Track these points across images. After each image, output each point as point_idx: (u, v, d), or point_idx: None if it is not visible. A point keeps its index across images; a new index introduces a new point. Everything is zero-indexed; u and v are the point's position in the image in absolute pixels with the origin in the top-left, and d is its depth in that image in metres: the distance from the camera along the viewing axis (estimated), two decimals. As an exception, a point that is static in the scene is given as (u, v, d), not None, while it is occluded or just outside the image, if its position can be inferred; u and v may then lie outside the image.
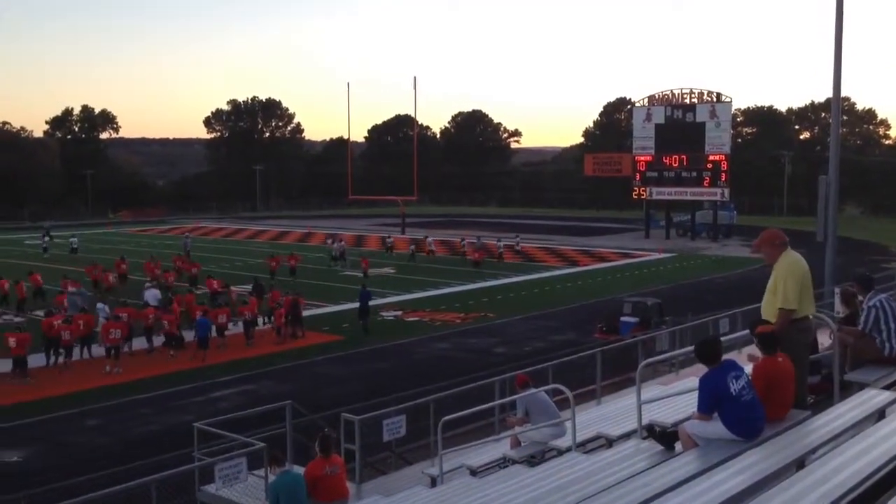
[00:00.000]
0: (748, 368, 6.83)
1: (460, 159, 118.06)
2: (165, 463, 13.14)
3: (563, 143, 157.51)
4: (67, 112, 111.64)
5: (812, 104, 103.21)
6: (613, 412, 11.41)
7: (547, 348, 25.80)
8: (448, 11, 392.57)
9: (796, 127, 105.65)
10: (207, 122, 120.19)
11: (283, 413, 13.27)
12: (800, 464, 5.46)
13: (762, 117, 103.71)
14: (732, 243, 61.22)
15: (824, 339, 9.28)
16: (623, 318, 27.48)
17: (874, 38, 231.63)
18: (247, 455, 11.01)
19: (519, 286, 40.69)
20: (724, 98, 62.20)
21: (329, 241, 53.38)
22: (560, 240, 64.19)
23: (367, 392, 20.01)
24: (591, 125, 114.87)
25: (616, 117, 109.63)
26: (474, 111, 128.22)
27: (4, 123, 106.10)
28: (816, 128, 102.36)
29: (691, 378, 9.78)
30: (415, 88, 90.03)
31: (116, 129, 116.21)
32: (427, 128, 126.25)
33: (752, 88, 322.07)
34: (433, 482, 10.83)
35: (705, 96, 62.50)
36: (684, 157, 63.19)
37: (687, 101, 63.19)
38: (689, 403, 7.42)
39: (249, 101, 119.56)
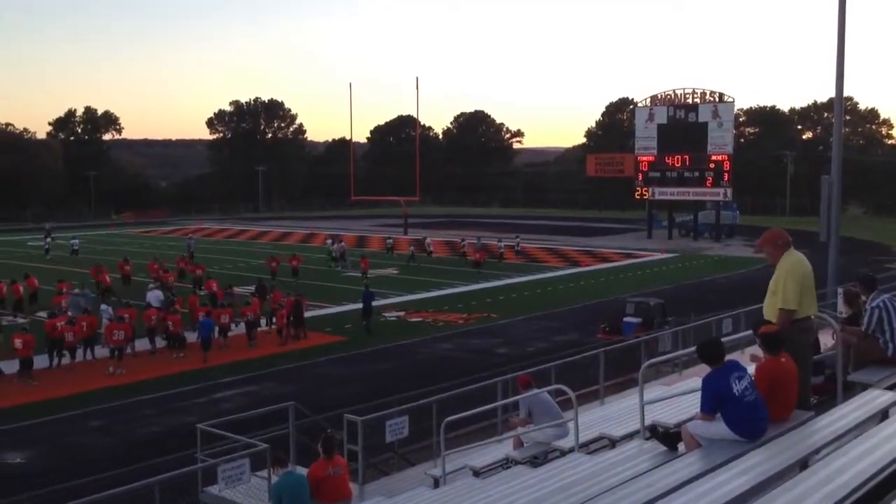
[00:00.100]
0: (751, 369, 6.82)
1: (462, 160, 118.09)
2: (168, 464, 13.17)
3: (565, 144, 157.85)
4: (70, 113, 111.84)
5: (814, 104, 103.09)
6: (616, 413, 11.40)
7: (550, 349, 25.79)
8: (450, 11, 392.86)
9: (799, 127, 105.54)
10: (210, 123, 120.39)
11: (286, 414, 13.28)
12: (803, 464, 5.45)
13: (765, 117, 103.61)
14: (735, 243, 61.17)
15: (827, 340, 9.26)
16: (626, 319, 27.46)
17: (877, 38, 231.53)
18: (250, 456, 11.02)
19: (521, 287, 40.68)
20: (726, 98, 62.16)
21: (329, 242, 53.41)
22: (562, 240, 64.17)
23: (370, 393, 20.01)
24: (594, 125, 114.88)
25: (618, 117, 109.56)
26: (476, 111, 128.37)
27: (7, 125, 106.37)
28: (819, 128, 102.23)
29: (694, 378, 9.79)
30: (417, 89, 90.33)
31: (119, 131, 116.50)
32: (429, 128, 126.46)
33: (754, 88, 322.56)
34: (436, 483, 10.84)
35: (708, 96, 62.46)
36: (687, 157, 63.14)
37: (689, 101, 63.15)
38: (692, 404, 7.41)
39: (252, 101, 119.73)
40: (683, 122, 63.25)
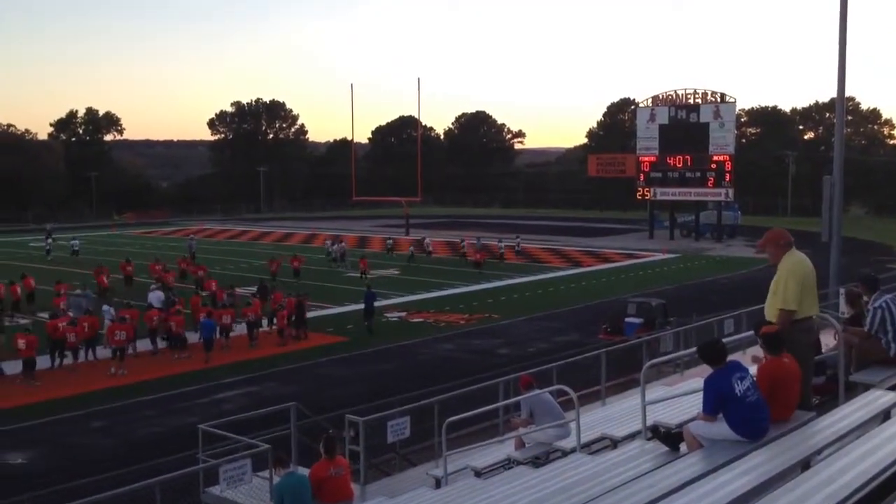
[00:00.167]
0: (752, 370, 6.81)
1: (464, 160, 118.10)
2: (170, 465, 13.16)
3: (566, 144, 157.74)
4: (72, 114, 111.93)
5: (816, 104, 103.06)
6: (618, 413, 11.40)
7: (551, 349, 25.78)
8: (451, 12, 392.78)
9: (800, 127, 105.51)
10: (211, 124, 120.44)
11: (288, 414, 13.27)
12: (805, 465, 5.45)
13: (766, 117, 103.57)
14: (737, 244, 61.14)
15: (829, 340, 9.25)
16: (627, 319, 27.44)
17: (878, 38, 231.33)
18: (251, 457, 11.02)
19: (523, 287, 40.68)
20: (728, 98, 62.11)
21: (328, 242, 53.48)
22: (564, 240, 64.16)
23: (372, 393, 20.01)
24: (595, 126, 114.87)
25: (620, 118, 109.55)
26: (478, 112, 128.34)
27: (9, 126, 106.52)
28: (821, 128, 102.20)
29: (696, 379, 9.78)
30: (418, 89, 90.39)
31: (120, 131, 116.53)
32: (431, 129, 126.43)
33: (756, 88, 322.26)
34: (437, 483, 10.84)
35: (709, 96, 62.41)
36: (688, 157, 63.09)
37: (691, 101, 63.11)
38: (694, 404, 7.41)
39: (253, 102, 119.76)
40: (685, 122, 63.20)
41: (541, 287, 40.76)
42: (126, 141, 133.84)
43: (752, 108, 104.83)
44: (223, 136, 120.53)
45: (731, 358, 6.57)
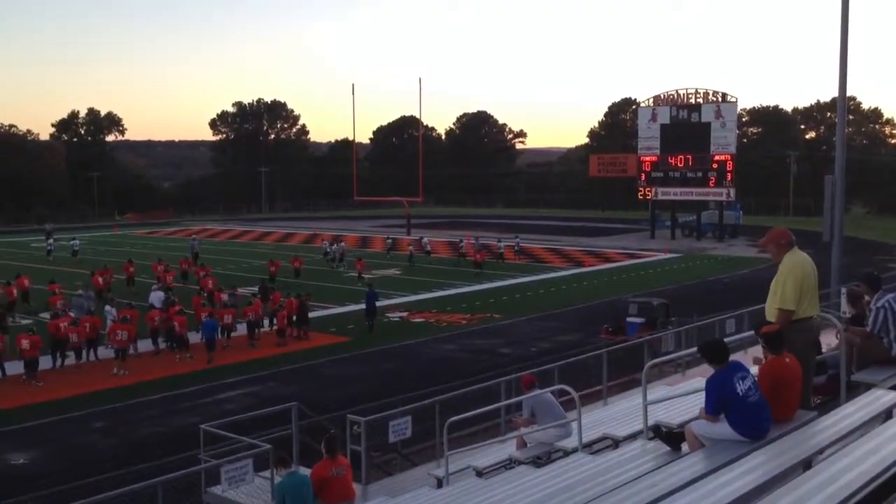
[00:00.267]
0: (753, 370, 6.81)
1: (465, 160, 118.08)
2: (172, 465, 13.18)
3: (568, 144, 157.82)
4: (73, 115, 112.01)
5: (818, 104, 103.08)
6: (619, 413, 11.40)
7: (553, 349, 25.77)
8: (452, 12, 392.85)
9: (802, 126, 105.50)
10: (213, 124, 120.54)
11: (289, 414, 13.27)
12: (807, 464, 5.44)
13: (768, 117, 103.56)
14: (738, 243, 61.11)
15: (830, 340, 9.24)
16: (629, 319, 27.41)
17: (880, 38, 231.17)
18: (253, 457, 11.02)
19: (524, 287, 40.67)
20: (729, 98, 62.10)
21: (326, 243, 53.56)
22: (565, 240, 64.15)
23: (373, 393, 20.01)
24: (597, 126, 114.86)
25: (621, 118, 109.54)
26: (479, 112, 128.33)
27: (11, 126, 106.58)
28: (822, 127, 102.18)
29: (697, 378, 9.78)
30: (420, 89, 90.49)
31: (122, 132, 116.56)
32: (432, 129, 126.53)
33: (757, 88, 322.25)
34: (439, 483, 10.83)
35: (710, 96, 62.40)
36: (690, 157, 63.08)
37: (692, 101, 63.08)
38: (696, 404, 7.41)
39: (255, 102, 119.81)
40: (686, 122, 63.18)
41: (542, 287, 40.75)
42: (128, 141, 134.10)
43: (754, 107, 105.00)
44: (225, 136, 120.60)
45: (732, 358, 6.57)
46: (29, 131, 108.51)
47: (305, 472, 10.17)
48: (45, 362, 23.65)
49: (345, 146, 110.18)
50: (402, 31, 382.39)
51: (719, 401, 6.30)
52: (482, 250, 48.47)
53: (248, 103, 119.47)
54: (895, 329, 8.24)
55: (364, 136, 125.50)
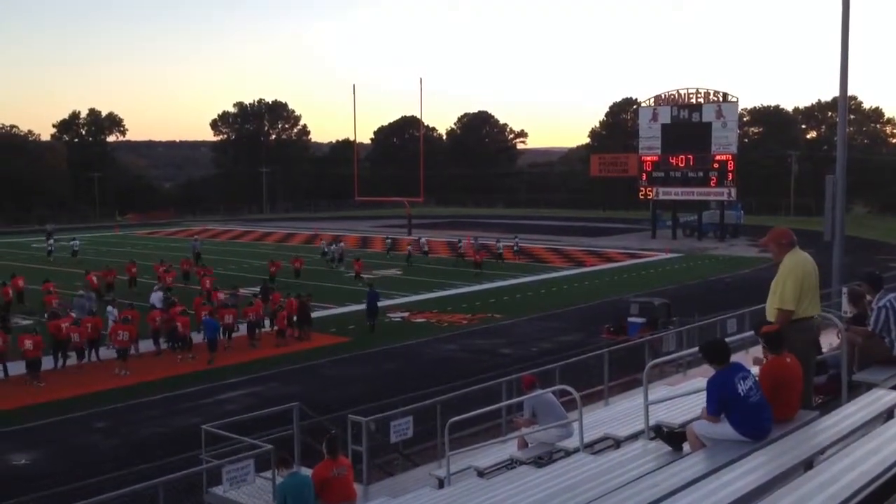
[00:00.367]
0: (754, 370, 6.81)
1: (466, 160, 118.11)
2: (173, 465, 13.18)
3: (569, 144, 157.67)
4: (74, 115, 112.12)
5: (818, 103, 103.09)
6: (621, 413, 11.40)
7: (554, 349, 25.77)
8: (453, 12, 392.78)
9: (803, 126, 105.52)
10: (214, 125, 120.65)
11: (291, 415, 13.27)
12: (808, 464, 5.44)
13: (768, 117, 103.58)
14: (739, 243, 61.10)
15: (832, 339, 9.24)
16: (630, 319, 27.40)
17: (881, 37, 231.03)
18: (254, 457, 11.02)
19: (525, 287, 40.68)
20: (730, 98, 62.09)
21: (324, 243, 53.68)
22: (566, 240, 64.15)
23: (374, 394, 20.02)
24: (598, 125, 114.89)
25: (622, 117, 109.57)
26: (480, 112, 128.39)
27: (12, 127, 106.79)
28: (823, 127, 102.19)
29: (699, 378, 9.77)
30: (421, 90, 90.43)
31: (123, 132, 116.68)
32: (433, 129, 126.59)
33: (758, 88, 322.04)
34: (440, 484, 10.83)
35: (711, 96, 62.39)
36: (691, 157, 63.07)
37: (693, 100, 63.08)
38: (697, 404, 7.41)
39: (256, 103, 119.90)
40: (687, 121, 63.17)
41: (543, 287, 40.75)
42: (129, 142, 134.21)
43: (755, 107, 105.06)
44: (226, 136, 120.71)
45: (733, 358, 6.57)
46: (30, 132, 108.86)
47: (307, 472, 10.17)
48: (46, 363, 23.65)
49: (346, 146, 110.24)
50: (403, 31, 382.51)
51: (720, 401, 6.30)
52: (481, 250, 48.47)
53: (249, 104, 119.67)
54: (897, 328, 8.23)
55: (365, 137, 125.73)
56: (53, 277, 36.11)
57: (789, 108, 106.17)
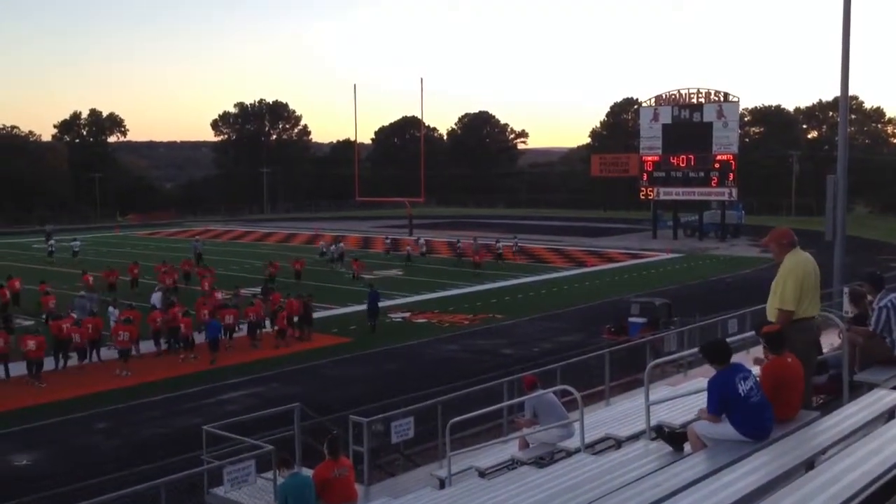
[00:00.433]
0: (755, 370, 6.81)
1: (467, 160, 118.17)
2: (174, 466, 13.19)
3: (569, 144, 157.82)
4: (75, 116, 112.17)
5: (820, 103, 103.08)
6: (622, 413, 11.39)
7: (555, 349, 25.77)
8: (453, 12, 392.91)
9: (804, 126, 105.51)
10: (215, 125, 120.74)
11: (292, 415, 13.27)
12: (809, 465, 5.44)
13: (769, 117, 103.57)
14: (740, 243, 61.07)
15: (833, 339, 9.23)
16: (631, 319, 27.39)
17: (882, 37, 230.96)
18: (255, 458, 11.02)
19: (526, 287, 40.66)
20: (731, 98, 62.05)
21: (322, 244, 53.72)
22: (567, 240, 64.13)
23: (376, 394, 20.02)
24: (598, 125, 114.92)
25: (623, 117, 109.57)
26: (481, 112, 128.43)
27: (13, 128, 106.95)
28: (824, 127, 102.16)
29: (700, 379, 9.77)
30: (421, 90, 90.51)
31: (124, 133, 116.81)
32: (434, 129, 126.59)
33: (759, 88, 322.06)
34: (441, 484, 10.83)
35: (712, 96, 62.36)
36: (692, 157, 63.04)
37: (694, 100, 63.04)
38: (698, 404, 7.40)
39: (256, 103, 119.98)
40: (688, 121, 63.14)
41: (544, 287, 40.74)
42: (130, 142, 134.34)
43: (756, 107, 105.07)
44: (227, 137, 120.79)
45: (734, 358, 6.57)
46: (31, 132, 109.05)
47: (308, 473, 10.17)
48: (47, 363, 23.66)
49: (346, 147, 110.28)
50: (403, 31, 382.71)
51: (721, 401, 6.30)
52: (480, 250, 48.42)
53: (250, 104, 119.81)
54: (899, 328, 8.22)
55: (366, 137, 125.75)
56: (54, 278, 36.15)
57: (790, 108, 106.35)
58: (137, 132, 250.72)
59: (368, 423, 12.13)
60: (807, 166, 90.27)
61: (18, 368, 23.18)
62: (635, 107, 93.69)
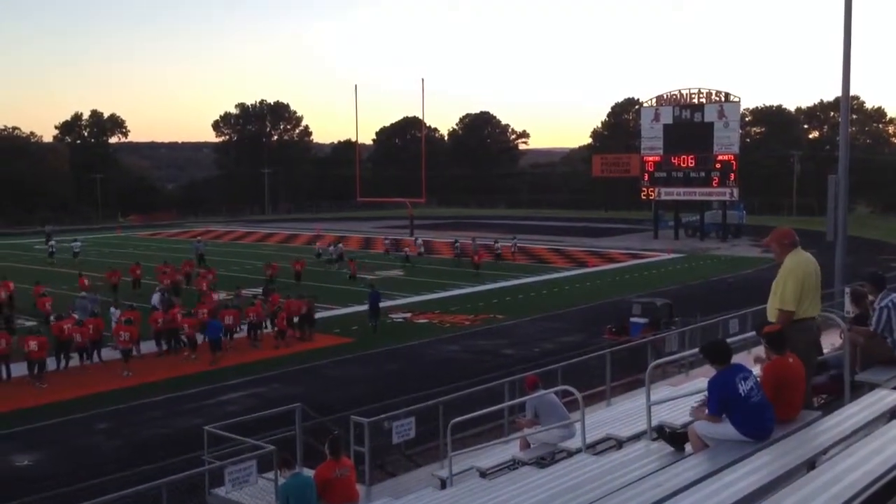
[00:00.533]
0: (755, 370, 6.80)
1: (468, 161, 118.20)
2: (175, 466, 13.19)
3: (571, 144, 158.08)
4: (77, 117, 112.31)
5: (821, 103, 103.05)
6: (623, 413, 11.39)
7: (556, 349, 25.76)
8: (454, 12, 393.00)
9: (805, 126, 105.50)
10: (216, 126, 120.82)
11: (293, 416, 13.28)
12: (811, 465, 5.44)
13: (771, 117, 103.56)
14: (742, 243, 61.05)
15: (834, 339, 9.23)
16: (632, 319, 27.39)
17: (883, 37, 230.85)
18: (256, 458, 11.03)
19: (528, 287, 40.66)
20: (732, 98, 62.05)
21: (319, 246, 53.74)
22: (568, 241, 64.11)
23: (377, 394, 20.03)
24: (599, 126, 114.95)
25: (624, 118, 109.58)
26: (482, 112, 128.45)
27: (14, 129, 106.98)
28: (825, 127, 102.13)
29: (701, 379, 9.76)
30: (422, 90, 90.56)
31: (125, 134, 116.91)
32: (435, 129, 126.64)
33: (760, 88, 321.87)
34: (443, 484, 10.83)
35: (713, 96, 62.35)
36: (693, 157, 63.05)
37: (695, 100, 63.04)
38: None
39: (257, 104, 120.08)
40: (689, 122, 63.14)
41: (546, 287, 40.73)
42: (131, 143, 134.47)
43: (757, 107, 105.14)
44: (228, 137, 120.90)
45: (735, 358, 6.56)
46: (32, 133, 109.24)
47: (309, 473, 10.17)
48: (49, 364, 23.68)
49: (347, 147, 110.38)
50: (404, 32, 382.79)
51: (721, 401, 6.29)
52: (479, 250, 48.39)
53: (251, 105, 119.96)
54: (900, 328, 8.21)
55: (367, 137, 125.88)
56: (54, 279, 36.13)
57: (791, 108, 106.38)
58: (138, 133, 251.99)
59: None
60: (808, 166, 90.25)
61: (19, 369, 23.19)
62: (636, 107, 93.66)
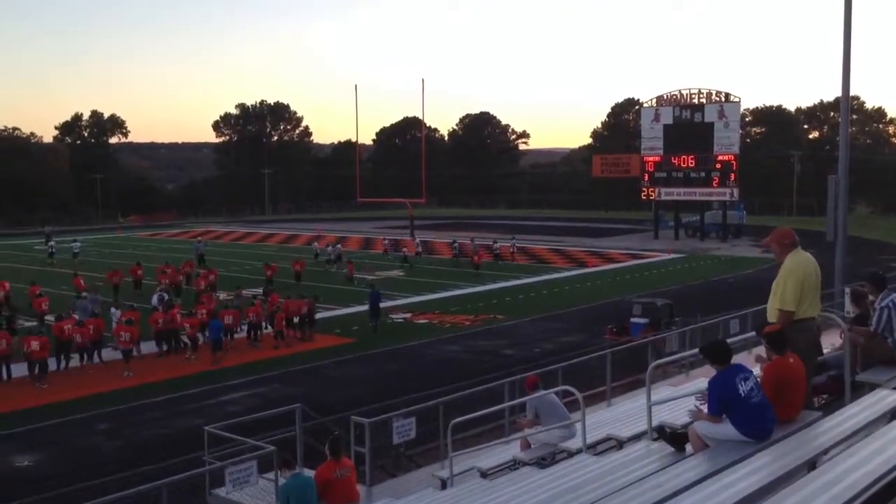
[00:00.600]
0: (756, 370, 6.80)
1: (468, 161, 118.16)
2: (176, 466, 13.19)
3: (571, 145, 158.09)
4: (77, 117, 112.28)
5: (821, 103, 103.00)
6: (623, 414, 11.38)
7: (556, 350, 25.77)
8: (454, 12, 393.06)
9: (805, 126, 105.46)
10: (216, 126, 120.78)
11: (294, 416, 13.28)
12: (811, 465, 5.44)
13: (771, 117, 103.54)
14: (742, 243, 61.05)
15: (834, 340, 9.22)
16: (633, 319, 27.40)
17: (883, 37, 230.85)
18: (257, 458, 11.03)
19: (528, 288, 40.66)
20: (732, 98, 62.06)
21: (316, 245, 53.70)
22: (569, 241, 64.11)
23: (377, 394, 20.03)
24: (600, 126, 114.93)
25: (624, 118, 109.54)
26: (482, 113, 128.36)
27: (14, 129, 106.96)
28: (825, 127, 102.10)
29: (701, 379, 9.76)
30: (422, 90, 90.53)
31: (125, 134, 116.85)
32: (435, 130, 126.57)
33: (760, 88, 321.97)
34: (443, 484, 10.83)
35: (714, 96, 62.36)
36: (693, 157, 63.07)
37: (695, 101, 63.06)
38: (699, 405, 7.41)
39: (258, 104, 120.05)
40: (689, 122, 63.15)
41: (546, 288, 40.73)
42: (131, 143, 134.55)
43: (757, 107, 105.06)
44: (228, 138, 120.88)
45: (736, 358, 6.56)
46: (32, 134, 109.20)
47: (309, 473, 10.17)
48: (49, 364, 23.68)
49: (348, 147, 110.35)
50: (404, 32, 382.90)
51: (721, 401, 6.29)
52: (479, 250, 48.38)
53: (252, 105, 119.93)
54: (900, 329, 8.20)
55: (367, 138, 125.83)
56: (54, 279, 36.13)
57: (791, 108, 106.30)
58: (139, 133, 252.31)
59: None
60: (808, 166, 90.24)
61: (19, 369, 23.19)
62: (636, 107, 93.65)
